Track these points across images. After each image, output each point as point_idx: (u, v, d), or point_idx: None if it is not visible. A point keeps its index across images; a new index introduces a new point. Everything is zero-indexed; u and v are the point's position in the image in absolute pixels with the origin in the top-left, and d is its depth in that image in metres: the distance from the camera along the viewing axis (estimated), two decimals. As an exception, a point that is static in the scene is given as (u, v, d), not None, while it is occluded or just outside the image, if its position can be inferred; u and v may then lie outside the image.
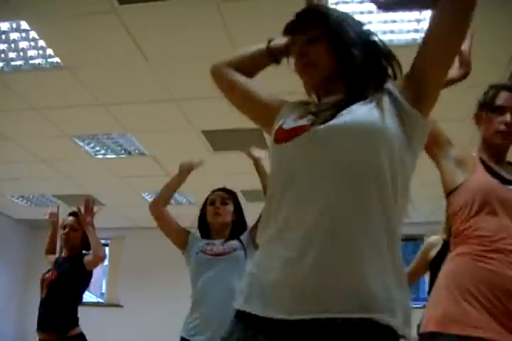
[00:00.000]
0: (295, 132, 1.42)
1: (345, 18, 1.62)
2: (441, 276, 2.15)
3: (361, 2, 3.79)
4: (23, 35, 4.18)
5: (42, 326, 3.80)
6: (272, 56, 1.75)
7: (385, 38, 4.15)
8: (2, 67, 4.61)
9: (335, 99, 1.48)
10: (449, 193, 2.23)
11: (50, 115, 5.38)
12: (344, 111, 1.39)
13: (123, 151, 6.50)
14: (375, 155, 1.34)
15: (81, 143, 6.24)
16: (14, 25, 4.06)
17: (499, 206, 2.08)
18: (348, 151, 1.34)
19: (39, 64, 4.55)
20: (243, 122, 6.41)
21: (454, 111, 5.31)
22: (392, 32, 4.09)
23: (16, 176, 7.43)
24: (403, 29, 4.06)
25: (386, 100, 1.45)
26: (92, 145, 6.31)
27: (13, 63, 4.55)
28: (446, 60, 1.52)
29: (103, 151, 6.49)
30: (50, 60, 4.49)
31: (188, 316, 3.11)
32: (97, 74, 4.69)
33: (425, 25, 3.91)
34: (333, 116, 1.39)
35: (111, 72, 4.60)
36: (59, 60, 4.49)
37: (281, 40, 1.71)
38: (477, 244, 2.06)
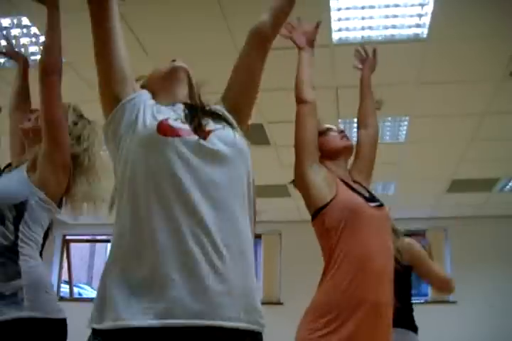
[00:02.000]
0: (181, 133, 1.45)
1: None
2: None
3: (363, -3, 3.78)
4: (24, 30, 4.18)
5: None
6: None
7: (387, 33, 4.14)
8: (3, 63, 4.60)
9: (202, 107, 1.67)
10: (318, 209, 2.25)
11: (52, 111, 5.38)
12: (220, 125, 1.55)
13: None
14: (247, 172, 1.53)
15: (83, 139, 6.23)
16: (15, 21, 4.06)
17: (365, 224, 2.17)
18: (236, 168, 1.48)
19: (40, 60, 4.54)
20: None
21: (455, 107, 5.31)
22: (393, 27, 4.08)
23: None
24: (404, 24, 4.04)
25: None
26: (94, 141, 6.30)
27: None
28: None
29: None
30: (51, 55, 4.49)
31: None
32: (98, 70, 4.68)
33: (427, 20, 3.92)
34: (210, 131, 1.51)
35: (112, 67, 4.59)
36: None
37: None
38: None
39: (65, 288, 10.33)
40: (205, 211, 1.34)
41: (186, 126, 1.48)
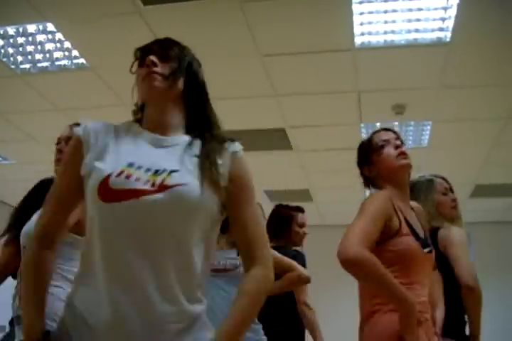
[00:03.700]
0: (123, 196, 1.38)
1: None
2: None
3: (385, 1, 3.76)
4: (50, 36, 4.23)
5: None
6: None
7: (410, 37, 4.12)
8: (29, 69, 4.66)
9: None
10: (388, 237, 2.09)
11: (75, 116, 5.42)
12: (188, 179, 1.41)
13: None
14: None
15: (106, 144, 6.28)
16: (41, 27, 4.11)
17: (416, 271, 2.08)
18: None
19: (65, 65, 4.59)
20: (268, 122, 6.45)
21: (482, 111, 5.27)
22: (416, 31, 4.05)
23: (43, 176, 7.50)
24: (428, 28, 4.02)
25: None
26: (116, 145, 6.35)
27: (39, 65, 4.60)
28: None
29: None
30: (75, 61, 4.54)
31: None
32: (121, 75, 4.67)
33: (450, 23, 3.90)
34: None
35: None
36: (84, 61, 4.53)
37: None
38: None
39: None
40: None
41: (141, 180, 1.37)
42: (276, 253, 3.04)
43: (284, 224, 3.71)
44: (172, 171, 1.39)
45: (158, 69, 1.52)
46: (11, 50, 4.41)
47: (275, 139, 6.01)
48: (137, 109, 1.64)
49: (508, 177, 7.05)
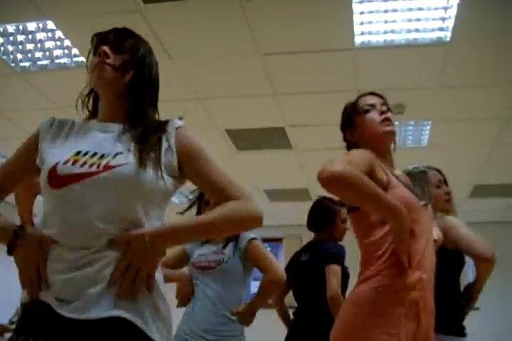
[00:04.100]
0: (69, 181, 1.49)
1: None
2: None
3: (386, 0, 3.76)
4: (50, 34, 4.23)
5: None
6: None
7: (410, 36, 4.12)
8: (28, 67, 4.66)
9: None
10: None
11: (75, 114, 5.43)
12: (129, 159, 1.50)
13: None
14: None
15: (105, 142, 6.28)
16: (41, 25, 4.10)
17: (418, 221, 2.00)
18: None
19: (64, 63, 4.59)
20: (267, 121, 6.44)
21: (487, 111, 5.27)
22: (416, 30, 4.05)
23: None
24: (428, 27, 4.02)
25: None
26: (116, 143, 6.35)
27: (39, 63, 4.60)
28: None
29: (127, 150, 6.52)
30: (75, 59, 4.53)
31: (178, 327, 2.99)
32: (121, 74, 4.72)
33: (450, 23, 3.90)
34: None
35: (135, 71, 4.63)
36: (84, 60, 4.50)
37: None
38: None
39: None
40: None
41: (87, 164, 1.46)
42: (261, 246, 3.04)
43: (328, 219, 3.63)
44: (117, 154, 1.48)
45: (109, 60, 1.59)
46: (10, 48, 4.41)
47: (274, 138, 6.01)
48: (87, 100, 1.77)
49: (507, 178, 7.05)
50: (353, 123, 2.21)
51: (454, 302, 2.83)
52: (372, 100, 2.23)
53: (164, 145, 1.54)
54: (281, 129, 5.80)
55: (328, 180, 1.80)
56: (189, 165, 1.54)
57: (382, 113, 2.16)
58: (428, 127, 5.73)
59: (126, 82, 1.61)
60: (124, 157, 1.46)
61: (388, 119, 2.14)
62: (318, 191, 2.39)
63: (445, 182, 3.05)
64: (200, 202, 3.14)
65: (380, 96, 2.27)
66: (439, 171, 3.08)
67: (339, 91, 4.87)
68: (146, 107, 1.65)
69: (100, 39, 1.65)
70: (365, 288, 1.97)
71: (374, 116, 2.16)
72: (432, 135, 5.88)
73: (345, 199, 2.01)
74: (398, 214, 1.86)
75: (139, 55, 1.64)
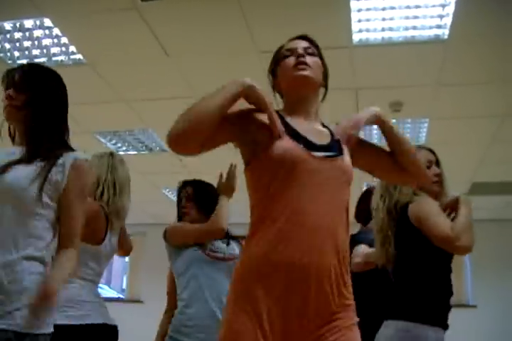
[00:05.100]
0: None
1: None
2: None
3: (383, -2, 3.76)
4: (47, 32, 4.22)
5: None
6: None
7: (407, 34, 4.12)
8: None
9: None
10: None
11: (72, 111, 5.33)
12: None
13: (144, 148, 6.53)
14: None
15: (103, 140, 6.28)
16: (38, 23, 4.10)
17: (302, 179, 1.67)
18: None
19: (62, 61, 4.59)
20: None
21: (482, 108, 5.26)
22: (414, 28, 4.05)
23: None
24: (425, 25, 4.02)
25: None
26: (113, 141, 6.36)
27: (36, 60, 4.59)
28: None
29: (124, 148, 6.53)
30: (72, 56, 4.53)
31: (178, 314, 2.96)
32: (118, 71, 4.71)
33: (448, 20, 3.89)
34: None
35: (133, 68, 4.63)
36: (81, 57, 4.52)
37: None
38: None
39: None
40: None
41: None
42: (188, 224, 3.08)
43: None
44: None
45: (13, 101, 1.94)
46: (7, 45, 4.41)
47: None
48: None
49: (505, 175, 7.05)
50: (274, 72, 1.98)
51: (438, 295, 2.70)
52: (294, 44, 1.98)
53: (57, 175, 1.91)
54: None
55: (170, 140, 1.68)
56: (64, 196, 1.92)
57: (298, 56, 1.88)
58: (426, 124, 5.72)
59: (30, 117, 1.95)
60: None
61: (302, 63, 1.86)
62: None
63: (437, 163, 2.69)
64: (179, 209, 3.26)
65: (310, 40, 2.04)
66: (431, 151, 2.72)
67: (337, 89, 4.85)
68: (45, 140, 1.96)
69: (6, 84, 1.99)
70: None
71: (290, 61, 1.89)
72: (429, 132, 5.88)
73: (199, 133, 1.73)
74: (237, 84, 1.89)
75: (41, 92, 2.03)
